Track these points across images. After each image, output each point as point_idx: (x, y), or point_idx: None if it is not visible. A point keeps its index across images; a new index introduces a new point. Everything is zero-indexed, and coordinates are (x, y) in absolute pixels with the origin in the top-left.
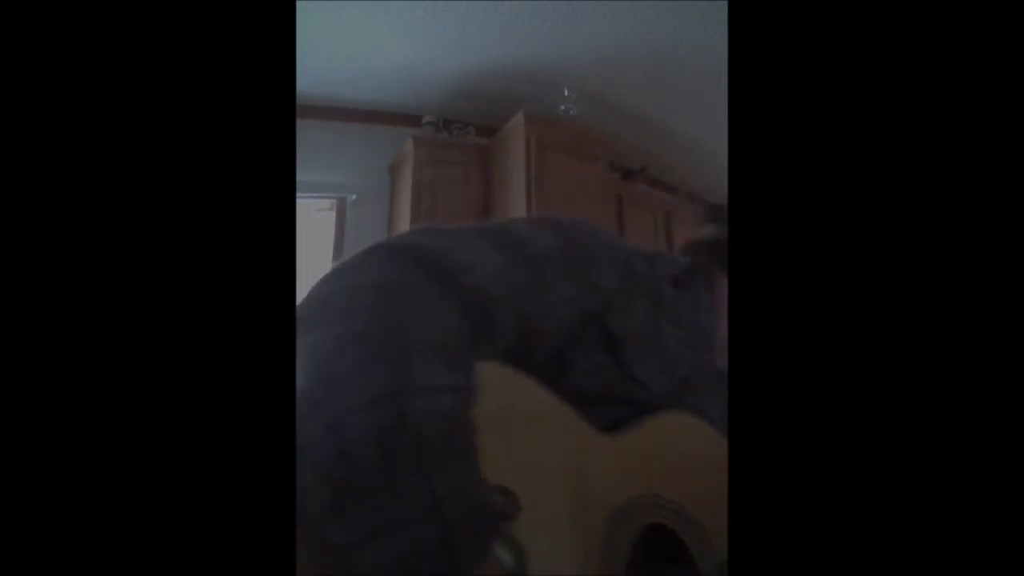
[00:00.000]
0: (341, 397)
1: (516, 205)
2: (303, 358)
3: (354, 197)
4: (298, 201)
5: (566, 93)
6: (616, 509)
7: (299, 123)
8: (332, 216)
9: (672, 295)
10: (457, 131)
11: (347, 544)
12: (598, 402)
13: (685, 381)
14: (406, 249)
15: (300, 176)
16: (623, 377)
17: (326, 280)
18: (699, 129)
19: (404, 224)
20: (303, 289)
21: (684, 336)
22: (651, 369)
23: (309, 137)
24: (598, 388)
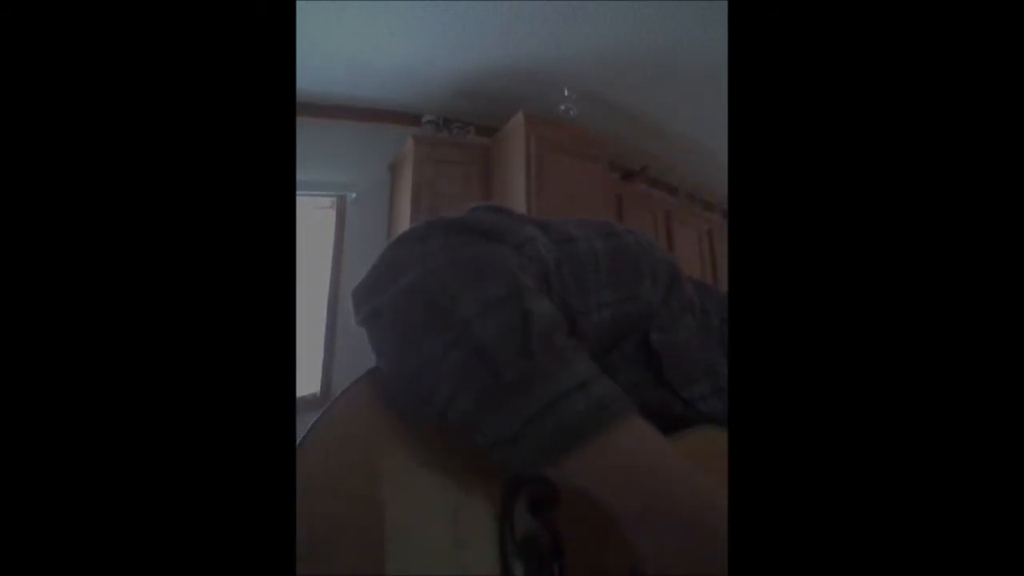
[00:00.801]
0: (458, 309)
1: (516, 205)
2: (387, 308)
3: (354, 196)
4: (298, 199)
5: (566, 93)
6: None
7: (299, 122)
8: (332, 214)
9: (720, 326)
10: (457, 130)
11: (504, 436)
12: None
13: (719, 391)
14: (466, 222)
15: (300, 175)
16: (666, 396)
17: (398, 242)
18: (699, 129)
19: (404, 223)
20: (303, 288)
21: (720, 350)
22: (703, 391)
23: (309, 136)
24: (641, 404)
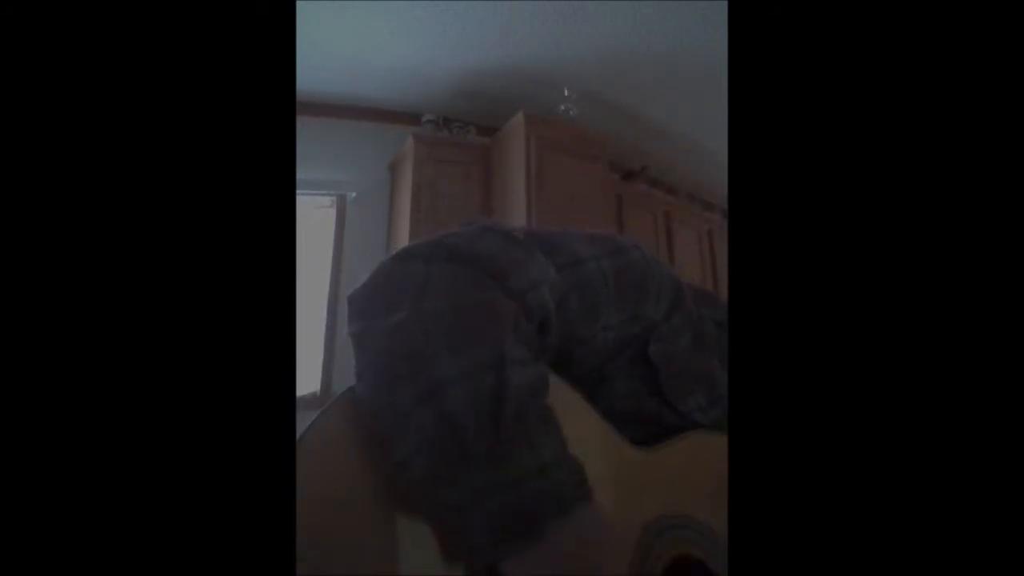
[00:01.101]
0: (437, 366)
1: (516, 205)
2: (374, 338)
3: (354, 195)
4: (298, 198)
5: (566, 93)
6: (646, 528)
7: (300, 121)
8: (332, 214)
9: (717, 334)
10: (457, 130)
11: (453, 505)
12: (633, 423)
13: (717, 400)
14: (471, 255)
15: (300, 174)
16: (661, 407)
17: (400, 258)
18: (699, 129)
19: (404, 222)
20: (303, 286)
21: (717, 356)
22: (699, 402)
23: (310, 135)
24: (633, 412)
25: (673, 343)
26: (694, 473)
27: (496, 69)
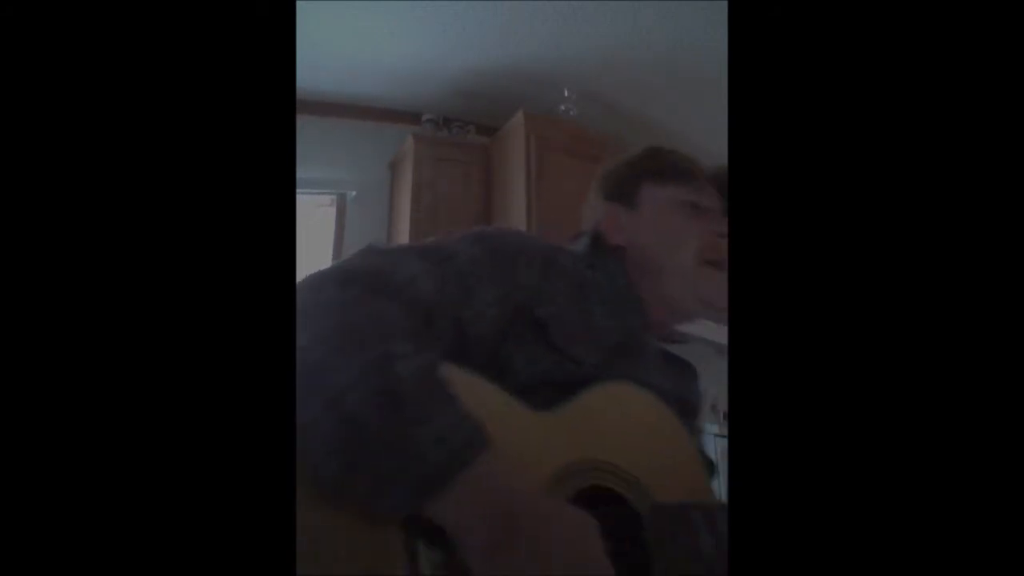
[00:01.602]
0: (334, 376)
1: (516, 205)
2: None
3: (354, 194)
4: (298, 197)
5: (566, 93)
6: (552, 475)
7: (300, 119)
8: (332, 212)
9: (592, 277)
10: (457, 130)
11: (367, 493)
12: (539, 389)
13: (616, 348)
14: (354, 273)
15: (301, 172)
16: (560, 360)
17: (299, 290)
18: (699, 129)
19: (404, 221)
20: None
21: (611, 309)
22: (584, 347)
23: (310, 133)
24: (537, 377)
25: (554, 301)
26: (594, 424)
27: (496, 69)
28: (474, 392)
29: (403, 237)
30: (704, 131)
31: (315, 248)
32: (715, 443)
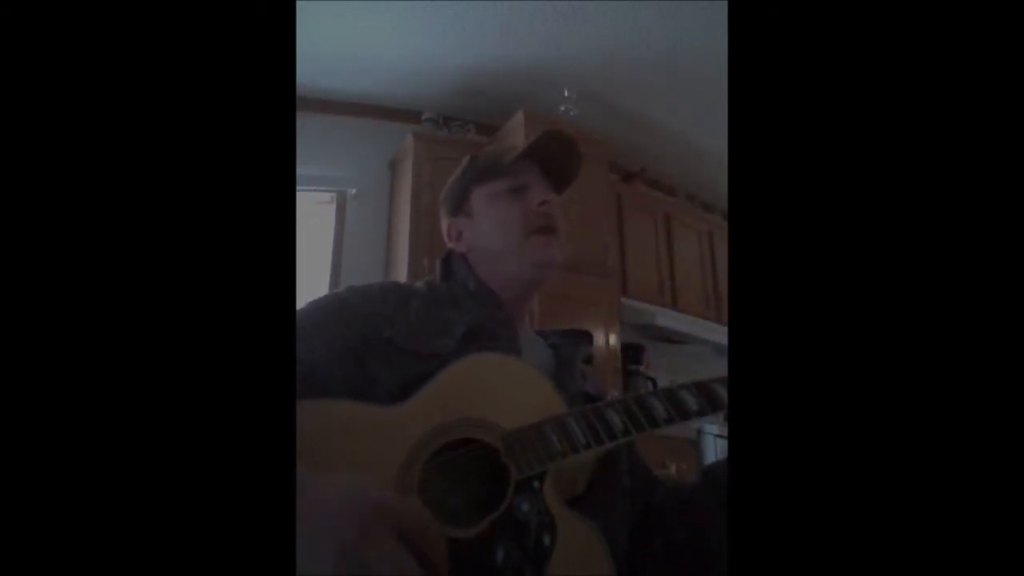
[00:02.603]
0: None
1: None
2: None
3: (354, 191)
4: (298, 194)
5: (566, 94)
6: (411, 448)
7: (301, 116)
8: (332, 209)
9: (442, 287)
10: (457, 129)
11: None
12: (410, 391)
13: (469, 334)
14: None
15: (301, 169)
16: (418, 359)
17: None
18: (699, 130)
19: (404, 220)
20: (303, 281)
21: (464, 308)
22: (440, 342)
23: (310, 130)
24: (402, 379)
25: (403, 320)
26: (455, 390)
27: (496, 68)
28: (329, 409)
29: (403, 235)
30: (704, 131)
31: (315, 245)
32: (715, 443)
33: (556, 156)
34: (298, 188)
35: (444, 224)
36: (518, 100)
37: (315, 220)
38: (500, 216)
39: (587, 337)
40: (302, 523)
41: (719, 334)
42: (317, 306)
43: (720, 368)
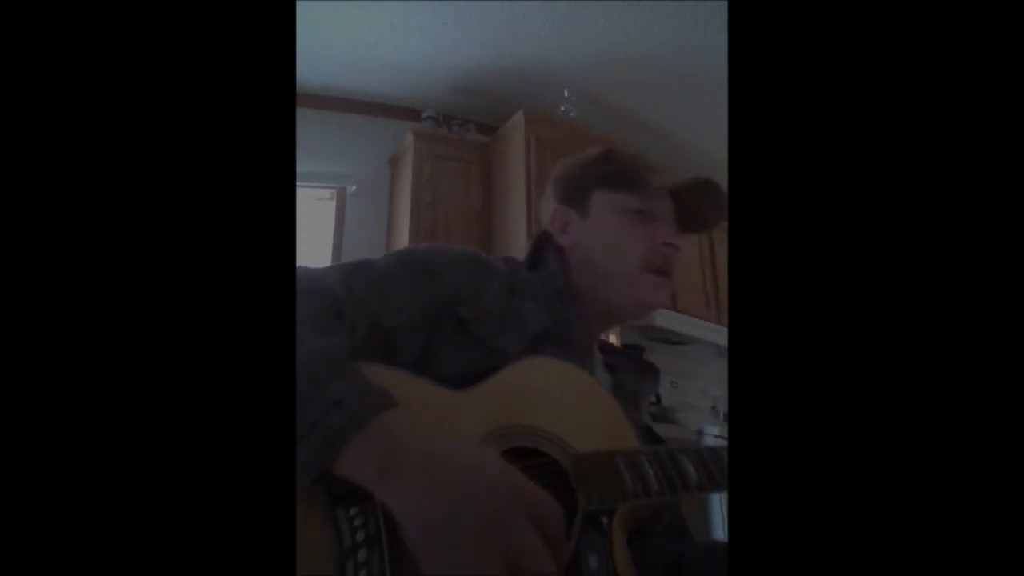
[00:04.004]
0: None
1: (515, 204)
2: None
3: (354, 188)
4: (298, 190)
5: (566, 94)
6: (485, 438)
7: (301, 112)
8: (332, 206)
9: (528, 277)
10: (457, 128)
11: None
12: (467, 378)
13: (542, 336)
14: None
15: (301, 165)
16: (484, 351)
17: None
18: (699, 130)
19: (404, 217)
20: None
21: (544, 305)
22: (510, 337)
23: (310, 126)
24: (462, 368)
25: (479, 300)
26: (513, 393)
27: (496, 68)
28: (392, 380)
29: (402, 233)
30: (704, 131)
31: (314, 241)
32: (715, 444)
33: (700, 204)
34: (298, 184)
35: (550, 206)
36: (518, 100)
37: (315, 216)
38: (621, 235)
39: (654, 372)
40: (434, 483)
41: (719, 335)
42: (402, 262)
43: (720, 369)
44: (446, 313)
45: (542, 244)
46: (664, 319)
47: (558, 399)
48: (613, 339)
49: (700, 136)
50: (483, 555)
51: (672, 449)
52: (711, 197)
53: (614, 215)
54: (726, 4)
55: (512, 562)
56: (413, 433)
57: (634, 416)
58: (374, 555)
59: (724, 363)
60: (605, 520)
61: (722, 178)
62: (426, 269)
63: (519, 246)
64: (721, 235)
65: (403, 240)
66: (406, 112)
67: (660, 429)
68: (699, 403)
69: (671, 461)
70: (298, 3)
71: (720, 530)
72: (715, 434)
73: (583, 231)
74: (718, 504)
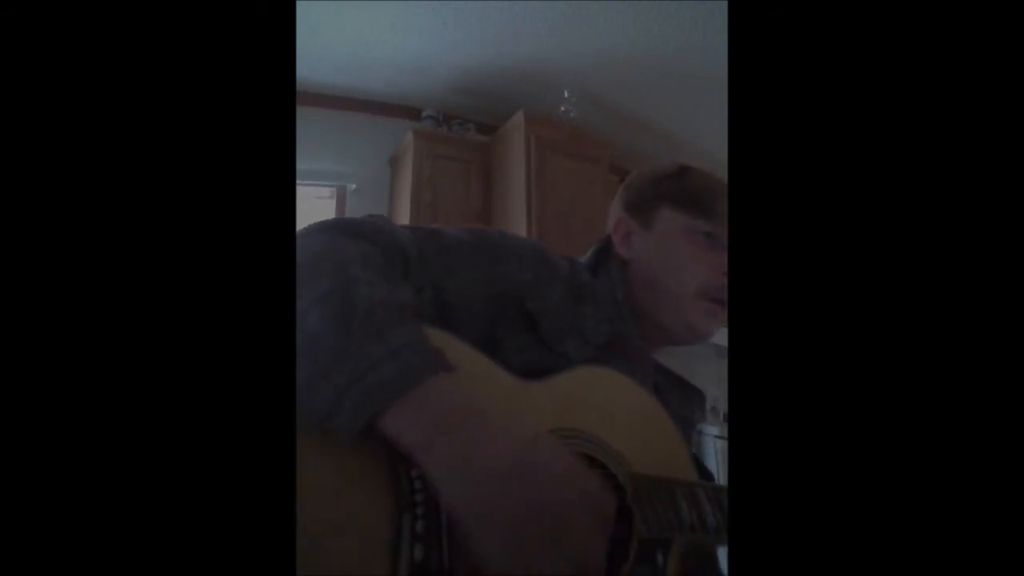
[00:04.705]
0: (300, 302)
1: (516, 204)
2: None
3: (354, 186)
4: (298, 188)
5: (566, 94)
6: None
7: (301, 111)
8: (332, 204)
9: (591, 282)
10: (457, 127)
11: (324, 412)
12: (528, 377)
13: (604, 347)
14: (344, 221)
15: (301, 164)
16: (546, 352)
17: (300, 235)
18: (699, 131)
19: (404, 216)
20: None
21: (604, 314)
22: (574, 343)
23: (311, 125)
24: (525, 362)
25: (546, 298)
26: (578, 396)
27: (496, 68)
28: (458, 352)
29: None
30: (704, 131)
31: None
32: (715, 444)
33: None
34: (298, 183)
35: (616, 211)
36: (518, 100)
37: (315, 215)
38: (686, 257)
39: (700, 398)
40: (488, 460)
41: (719, 336)
42: (473, 239)
43: (720, 369)
44: (512, 304)
45: (605, 247)
46: None
47: (620, 414)
48: None
49: (700, 136)
50: (541, 549)
51: (725, 487)
52: None
53: (683, 237)
54: (726, 4)
55: (576, 562)
56: (470, 401)
57: (687, 445)
58: (431, 523)
59: (724, 363)
60: (660, 557)
61: (722, 178)
62: (495, 253)
63: None
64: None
65: None
66: (406, 111)
67: None
68: None
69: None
70: (298, 3)
71: None
72: (715, 434)
73: (645, 245)
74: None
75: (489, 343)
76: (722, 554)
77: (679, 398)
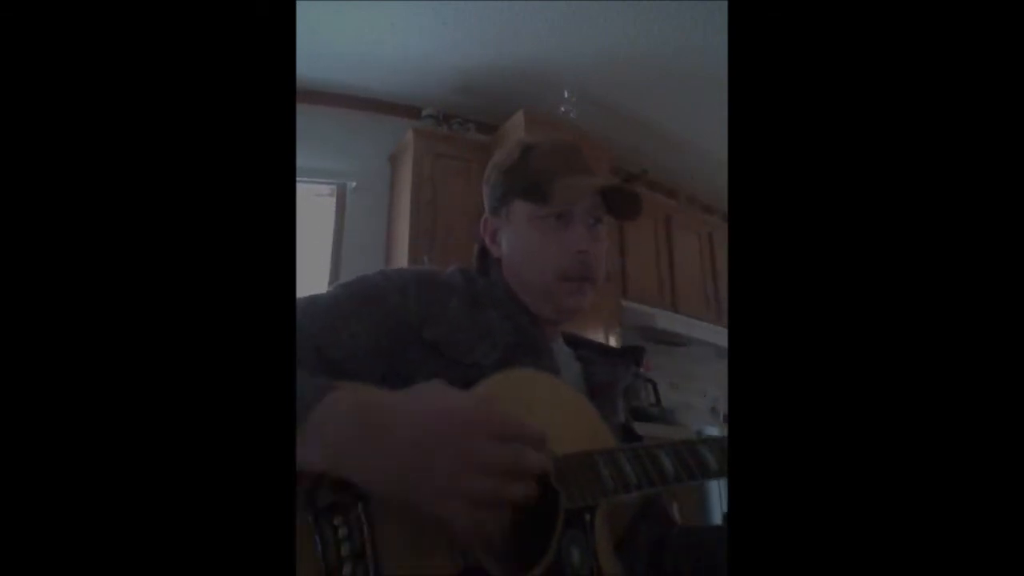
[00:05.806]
0: None
1: None
2: None
3: (354, 184)
4: (299, 186)
5: (566, 95)
6: None
7: (302, 109)
8: (332, 202)
9: (481, 284)
10: (457, 126)
11: None
12: None
13: (514, 346)
14: None
15: (301, 161)
16: (459, 369)
17: None
18: (699, 131)
19: (404, 214)
20: (302, 272)
21: (505, 311)
22: (482, 350)
23: (310, 123)
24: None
25: (442, 319)
26: (504, 402)
27: (496, 68)
28: (364, 391)
29: (402, 229)
30: (704, 132)
31: (314, 237)
32: None
33: (615, 199)
34: (298, 180)
35: (485, 214)
36: (518, 100)
37: (315, 212)
38: (537, 245)
39: (627, 358)
40: (404, 434)
41: (719, 336)
42: (347, 292)
43: (720, 370)
44: (411, 336)
45: (484, 253)
46: (664, 320)
47: (534, 408)
48: (612, 340)
49: (700, 136)
50: (461, 493)
51: (649, 446)
52: (629, 199)
53: (532, 226)
54: (726, 4)
55: (500, 484)
56: (366, 400)
57: (609, 413)
58: (359, 570)
59: (724, 363)
60: (588, 516)
61: (723, 179)
62: (370, 296)
63: None
64: (721, 236)
65: (403, 237)
66: (406, 110)
67: (660, 431)
68: (699, 404)
69: (648, 457)
70: (298, 2)
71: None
72: (715, 434)
73: (508, 240)
74: (717, 503)
75: (394, 379)
76: (720, 552)
77: (603, 365)
